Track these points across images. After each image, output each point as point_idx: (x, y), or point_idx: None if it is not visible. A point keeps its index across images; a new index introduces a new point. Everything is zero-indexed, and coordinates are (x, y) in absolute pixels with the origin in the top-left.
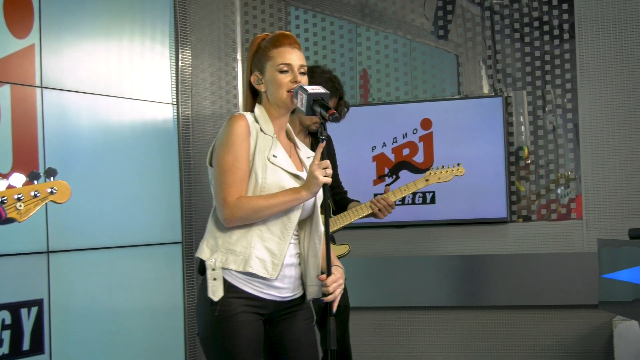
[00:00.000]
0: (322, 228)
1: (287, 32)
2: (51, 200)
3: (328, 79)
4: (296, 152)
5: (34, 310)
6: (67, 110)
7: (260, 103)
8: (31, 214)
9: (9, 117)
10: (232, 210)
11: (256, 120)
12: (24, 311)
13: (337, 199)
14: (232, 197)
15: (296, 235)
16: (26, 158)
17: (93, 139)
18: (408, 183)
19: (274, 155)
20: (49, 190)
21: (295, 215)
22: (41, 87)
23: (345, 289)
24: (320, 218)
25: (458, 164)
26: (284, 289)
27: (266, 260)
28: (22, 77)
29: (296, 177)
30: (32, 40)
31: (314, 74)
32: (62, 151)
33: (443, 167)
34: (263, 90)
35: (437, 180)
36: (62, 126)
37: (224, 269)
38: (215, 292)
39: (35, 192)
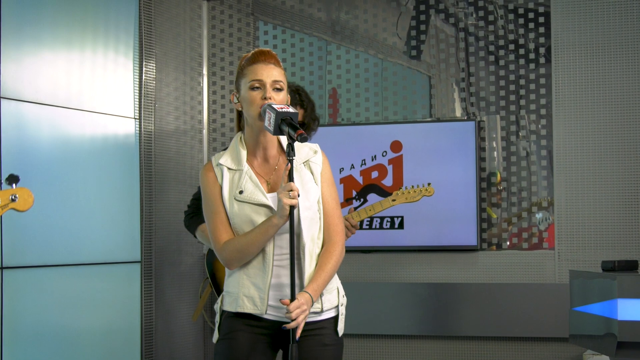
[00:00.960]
0: (303, 242)
1: (265, 49)
2: (12, 208)
3: (293, 90)
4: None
5: None
6: (26, 121)
7: (243, 127)
8: None
9: None
10: (221, 255)
11: (219, 163)
12: None
13: None
14: (219, 243)
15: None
16: None
17: (52, 152)
18: (374, 203)
19: (240, 192)
20: (11, 197)
21: (269, 246)
22: None
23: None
24: (302, 233)
25: (428, 184)
26: (284, 308)
27: (254, 297)
28: None
29: (265, 206)
30: None
31: None
32: (19, 163)
33: (412, 186)
34: (239, 109)
35: (404, 201)
36: (19, 138)
37: (222, 310)
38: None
39: None
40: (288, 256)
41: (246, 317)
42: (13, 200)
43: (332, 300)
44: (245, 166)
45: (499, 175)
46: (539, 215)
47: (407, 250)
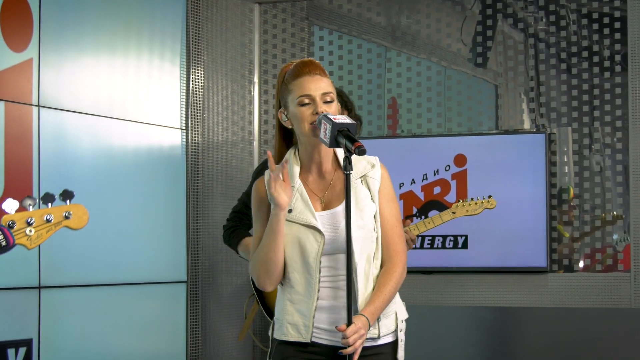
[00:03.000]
0: (356, 263)
1: (308, 59)
2: (65, 226)
3: None
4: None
5: (22, 350)
6: (66, 132)
7: (296, 142)
8: (42, 240)
9: (2, 137)
10: (253, 277)
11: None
12: (10, 351)
13: None
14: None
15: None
16: (19, 183)
17: (93, 164)
18: (433, 216)
19: (289, 211)
20: (64, 214)
21: (315, 270)
22: (38, 105)
23: None
24: (355, 254)
25: (489, 196)
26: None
27: (298, 324)
28: (18, 94)
29: (314, 228)
30: (30, 54)
31: None
32: (58, 176)
33: (472, 199)
34: (290, 127)
35: (465, 213)
36: (59, 149)
37: (272, 337)
38: None
39: (49, 216)
40: (337, 277)
41: (296, 344)
42: (67, 217)
43: (389, 325)
44: (297, 182)
45: (571, 191)
46: (615, 237)
47: (471, 271)
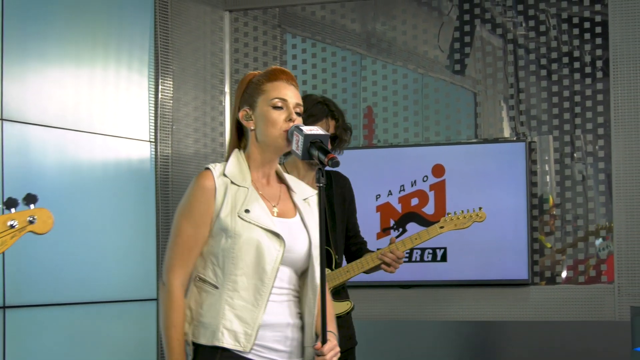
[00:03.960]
0: (317, 281)
1: (284, 68)
2: (31, 231)
3: (319, 101)
4: (289, 195)
5: None
6: (30, 145)
7: (242, 147)
8: (7, 247)
9: None
10: (161, 290)
11: (224, 174)
12: None
13: (353, 249)
14: (169, 272)
15: (297, 291)
16: None
17: (59, 179)
18: (420, 231)
19: (246, 211)
20: (29, 219)
21: (270, 278)
22: (1, 119)
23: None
24: (317, 270)
25: (479, 208)
26: (284, 352)
27: (238, 332)
28: None
29: (274, 233)
30: None
31: (304, 101)
32: (23, 191)
33: (462, 212)
34: (252, 128)
35: (453, 227)
36: (24, 163)
37: (195, 343)
38: None
39: (12, 222)
40: (285, 293)
41: (229, 353)
42: (31, 222)
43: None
44: (250, 186)
45: (551, 199)
46: (598, 242)
47: (450, 285)
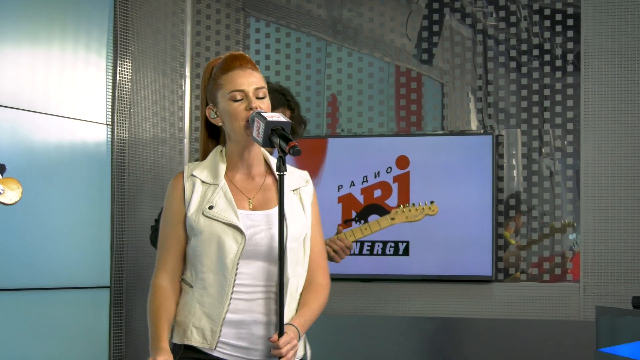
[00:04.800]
0: (287, 277)
1: (238, 53)
2: None
3: (277, 90)
4: (276, 186)
5: None
6: None
7: (224, 140)
8: None
9: None
10: (150, 291)
11: (192, 174)
12: None
13: None
14: (155, 274)
15: (266, 288)
16: None
17: (11, 160)
18: (370, 222)
19: (209, 207)
20: None
21: (230, 273)
22: None
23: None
24: (288, 267)
25: (431, 202)
26: (254, 350)
27: (205, 329)
28: None
29: (235, 228)
30: None
31: None
32: None
33: (413, 204)
34: (219, 124)
35: (404, 220)
36: None
37: (173, 343)
38: None
39: None
40: (257, 290)
41: (195, 352)
42: None
43: (300, 350)
44: (222, 181)
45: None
46: (572, 236)
47: (412, 279)
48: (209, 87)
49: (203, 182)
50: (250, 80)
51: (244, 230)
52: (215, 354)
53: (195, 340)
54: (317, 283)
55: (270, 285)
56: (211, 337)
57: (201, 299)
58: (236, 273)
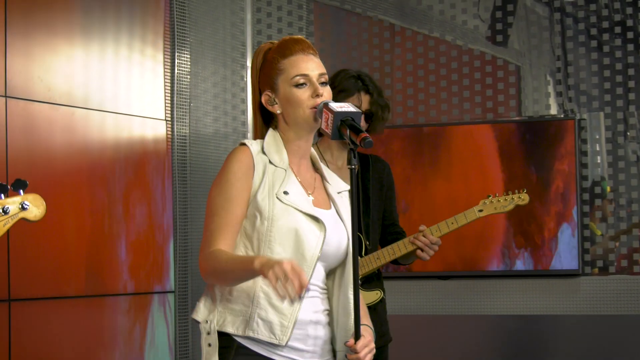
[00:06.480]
0: (351, 276)
1: (298, 37)
2: (23, 218)
3: (353, 76)
4: (323, 186)
5: None
6: (37, 125)
7: (275, 127)
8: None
9: None
10: (203, 263)
11: (263, 151)
12: None
13: (389, 239)
14: (209, 247)
15: (324, 288)
16: None
17: (67, 160)
18: (456, 215)
19: (284, 192)
20: (20, 205)
21: (309, 266)
22: (5, 96)
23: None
24: (351, 264)
25: (522, 190)
26: (307, 352)
27: (273, 322)
28: None
29: (314, 218)
30: None
31: (337, 77)
32: (29, 172)
33: (505, 193)
34: (278, 111)
35: (493, 211)
36: (29, 144)
37: (220, 332)
38: None
39: (4, 208)
40: (315, 288)
41: (264, 345)
42: (24, 208)
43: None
44: (288, 168)
45: (607, 188)
46: None
47: (492, 276)
48: (265, 71)
49: (271, 162)
50: (314, 65)
51: (327, 226)
52: (284, 352)
53: (262, 333)
54: None
55: (321, 288)
56: (281, 332)
57: (267, 289)
58: (314, 267)
